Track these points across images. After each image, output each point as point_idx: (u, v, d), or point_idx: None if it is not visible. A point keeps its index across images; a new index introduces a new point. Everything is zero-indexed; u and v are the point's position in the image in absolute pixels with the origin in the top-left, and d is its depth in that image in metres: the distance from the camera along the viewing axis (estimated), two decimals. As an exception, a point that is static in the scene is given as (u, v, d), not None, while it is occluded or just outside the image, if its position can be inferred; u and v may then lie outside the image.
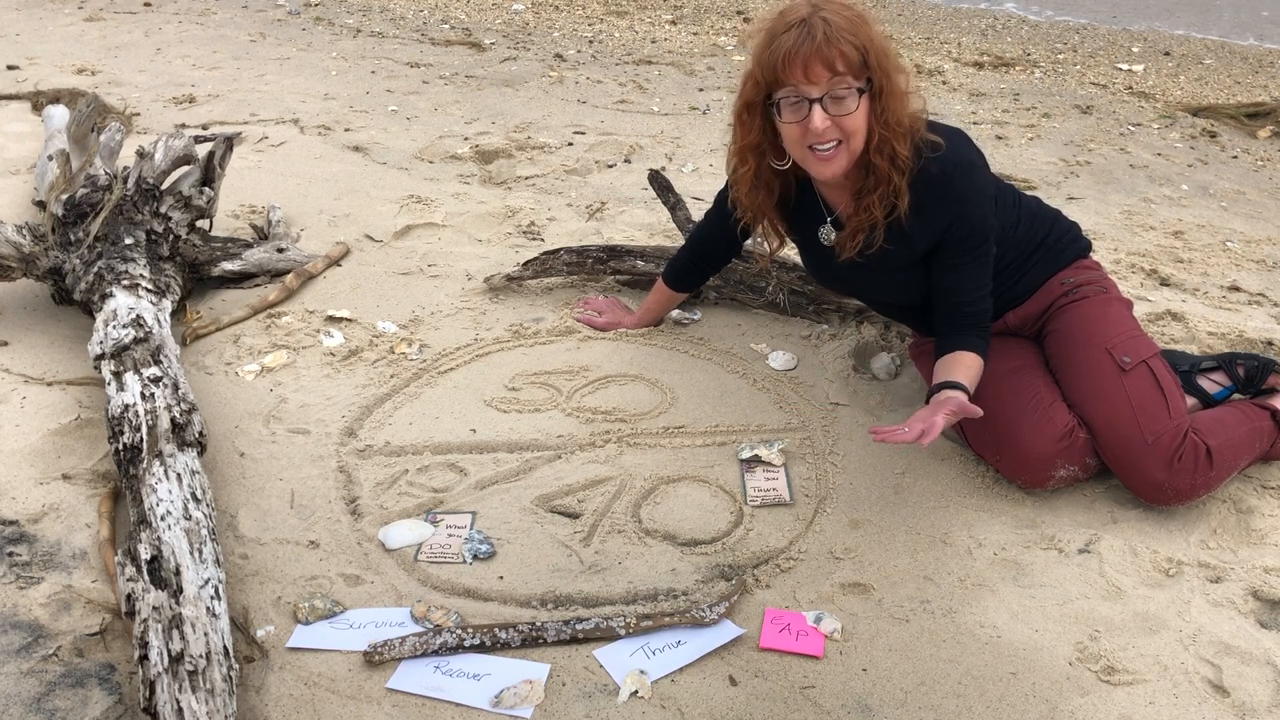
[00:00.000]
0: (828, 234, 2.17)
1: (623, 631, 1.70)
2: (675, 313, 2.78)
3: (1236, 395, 2.20)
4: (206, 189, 2.99)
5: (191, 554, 1.70)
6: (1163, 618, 1.75)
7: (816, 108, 1.89)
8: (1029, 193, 2.43)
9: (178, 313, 2.69)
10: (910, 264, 2.10)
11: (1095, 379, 2.03)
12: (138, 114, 4.64)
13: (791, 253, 3.15)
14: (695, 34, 6.96)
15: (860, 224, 2.04)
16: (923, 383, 2.38)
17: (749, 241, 2.52)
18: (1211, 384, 2.20)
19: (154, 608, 1.58)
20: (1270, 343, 2.66)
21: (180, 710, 1.45)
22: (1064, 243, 2.22)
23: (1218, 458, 1.95)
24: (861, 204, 2.02)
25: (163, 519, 1.75)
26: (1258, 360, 2.18)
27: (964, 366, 2.00)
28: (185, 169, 3.08)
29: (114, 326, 2.29)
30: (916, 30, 7.43)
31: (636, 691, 1.60)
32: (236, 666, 1.57)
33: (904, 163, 1.96)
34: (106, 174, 2.96)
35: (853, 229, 2.06)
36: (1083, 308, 2.13)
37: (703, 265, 2.62)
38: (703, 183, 3.95)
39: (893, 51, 1.94)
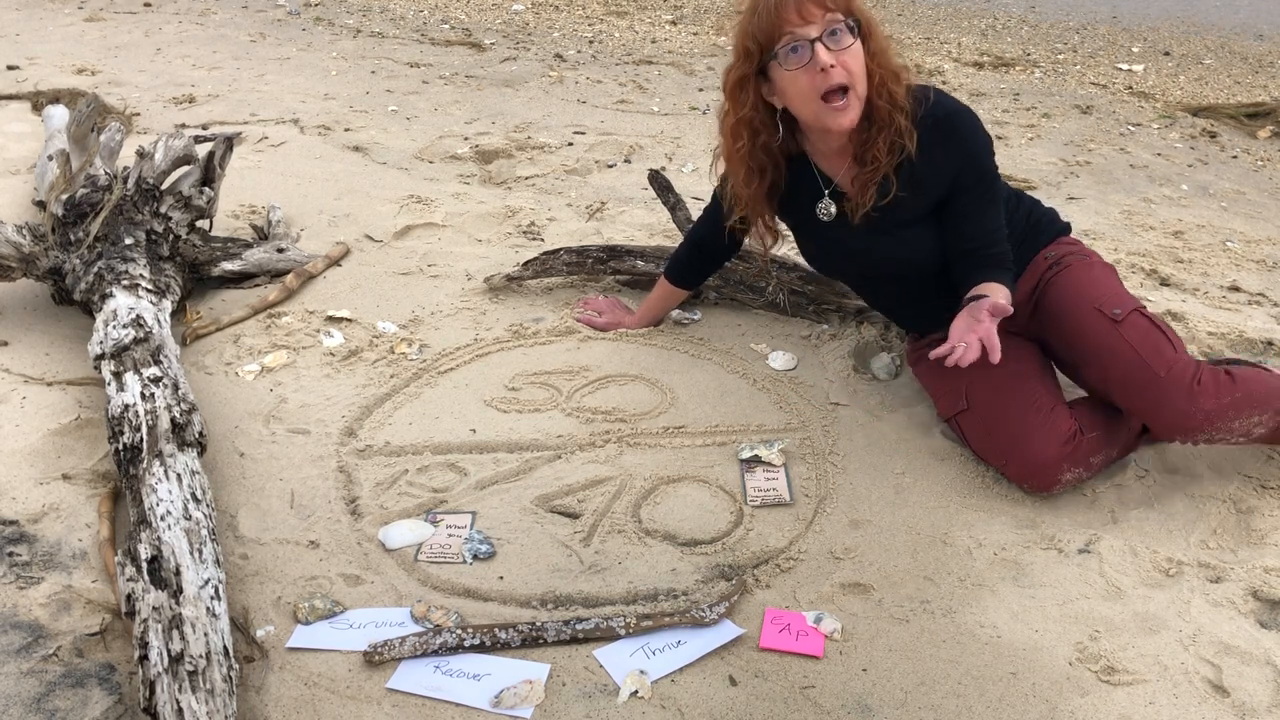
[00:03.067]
0: (827, 207, 2.16)
1: (623, 631, 1.70)
2: (675, 313, 2.78)
3: None
4: (206, 189, 2.99)
5: (191, 554, 1.70)
6: (1163, 618, 1.75)
7: (819, 45, 1.91)
8: (1027, 193, 2.44)
9: (178, 313, 2.69)
10: (921, 217, 2.09)
11: (1094, 338, 2.03)
12: (138, 114, 4.64)
13: (792, 252, 3.16)
14: (695, 34, 6.96)
15: (870, 177, 2.05)
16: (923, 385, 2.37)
17: (747, 240, 2.52)
18: None
19: (154, 608, 1.58)
20: (1270, 343, 2.66)
21: (180, 710, 1.45)
22: (1044, 223, 2.25)
23: (1239, 376, 1.95)
24: (869, 155, 2.04)
25: (163, 519, 1.75)
26: (1246, 363, 2.17)
27: (990, 287, 1.99)
28: (185, 169, 3.08)
29: (114, 326, 2.29)
30: (916, 30, 7.43)
31: (636, 691, 1.60)
32: (236, 666, 1.57)
33: (903, 102, 1.99)
34: (106, 174, 2.96)
35: (862, 183, 2.07)
36: (1067, 275, 2.14)
37: (703, 261, 2.62)
38: (703, 183, 3.95)
39: (868, 8, 2.00)
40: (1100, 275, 2.15)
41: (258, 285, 2.94)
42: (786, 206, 2.27)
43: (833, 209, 2.16)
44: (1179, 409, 1.92)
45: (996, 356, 1.81)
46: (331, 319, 2.76)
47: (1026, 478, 2.03)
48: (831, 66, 1.91)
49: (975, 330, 1.86)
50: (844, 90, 1.94)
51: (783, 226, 2.38)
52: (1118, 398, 2.01)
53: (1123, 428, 2.10)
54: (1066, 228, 2.29)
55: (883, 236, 2.14)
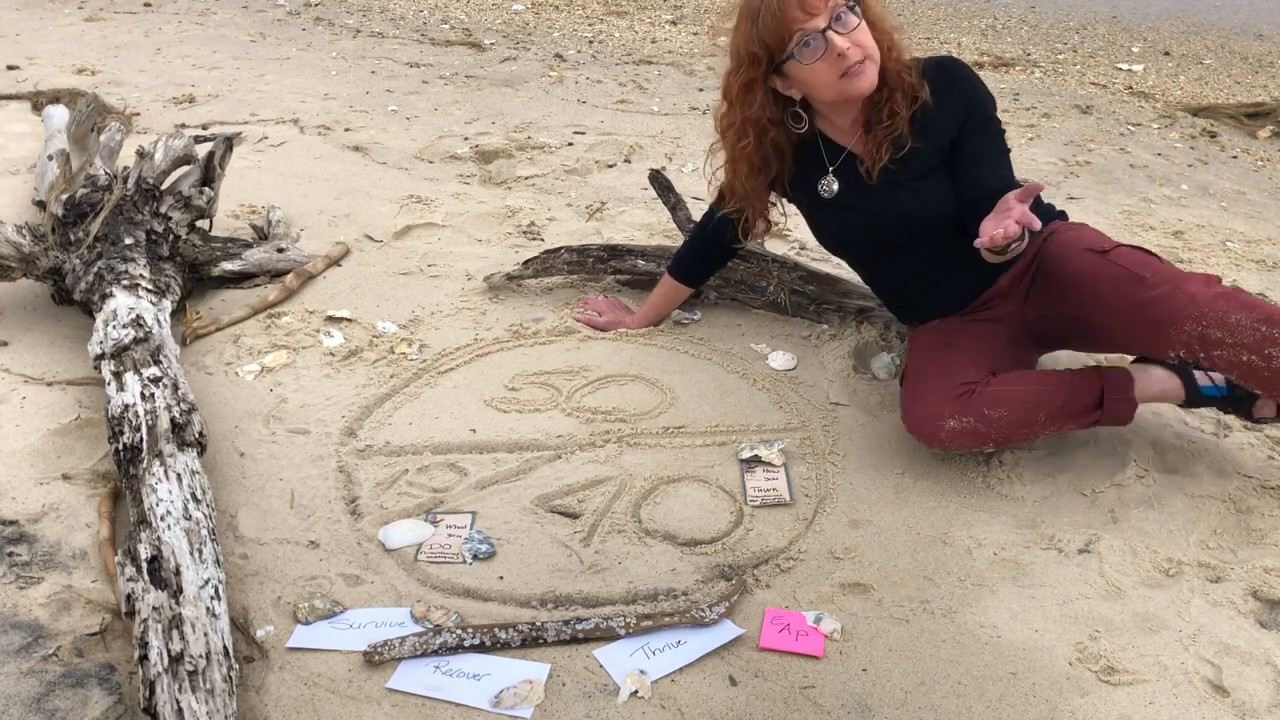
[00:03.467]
0: (829, 185, 2.21)
1: (623, 631, 1.70)
2: (675, 313, 2.78)
3: (1220, 402, 2.12)
4: (206, 189, 2.99)
5: (191, 554, 1.70)
6: (1163, 618, 1.75)
7: (830, 34, 1.96)
8: None
9: (178, 313, 2.69)
10: (934, 166, 2.12)
11: (1086, 271, 2.02)
12: (138, 114, 4.64)
13: (792, 252, 3.16)
14: (695, 34, 6.96)
15: (886, 131, 2.09)
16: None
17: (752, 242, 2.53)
18: (1206, 379, 2.13)
19: (154, 608, 1.58)
20: (1270, 343, 2.66)
21: (180, 710, 1.45)
22: (1043, 211, 2.26)
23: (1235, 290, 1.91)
24: (884, 113, 2.09)
25: (163, 519, 1.75)
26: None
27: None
28: (185, 169, 3.08)
29: (114, 326, 2.29)
30: (917, 30, 7.43)
31: (636, 691, 1.60)
32: (236, 666, 1.57)
33: (908, 60, 2.08)
34: (106, 174, 2.96)
35: (878, 140, 2.11)
36: (1060, 235, 2.15)
37: (708, 258, 2.63)
38: (702, 182, 3.93)
39: None
40: (1086, 230, 2.18)
41: (258, 285, 2.94)
42: (797, 189, 2.29)
43: (834, 186, 2.20)
44: (1164, 291, 1.88)
45: (1036, 225, 1.79)
46: (331, 319, 2.76)
47: (914, 426, 2.07)
48: (848, 49, 1.96)
49: (1009, 215, 1.82)
50: (863, 59, 2.00)
51: (776, 216, 2.42)
52: (1119, 325, 1.96)
53: (1062, 392, 2.05)
54: (1063, 214, 2.32)
55: (898, 190, 2.15)
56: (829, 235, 2.36)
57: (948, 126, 2.10)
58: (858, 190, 2.19)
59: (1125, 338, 2.00)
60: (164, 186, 2.92)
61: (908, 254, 2.25)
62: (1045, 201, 2.32)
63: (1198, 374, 2.11)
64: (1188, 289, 1.87)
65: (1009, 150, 2.15)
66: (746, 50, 2.04)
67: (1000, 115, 2.18)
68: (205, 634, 1.56)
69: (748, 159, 2.18)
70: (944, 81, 2.10)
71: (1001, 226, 1.79)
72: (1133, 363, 2.18)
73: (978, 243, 1.84)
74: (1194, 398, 2.11)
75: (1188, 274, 1.93)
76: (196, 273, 2.89)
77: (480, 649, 1.68)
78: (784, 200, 2.39)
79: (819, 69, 1.99)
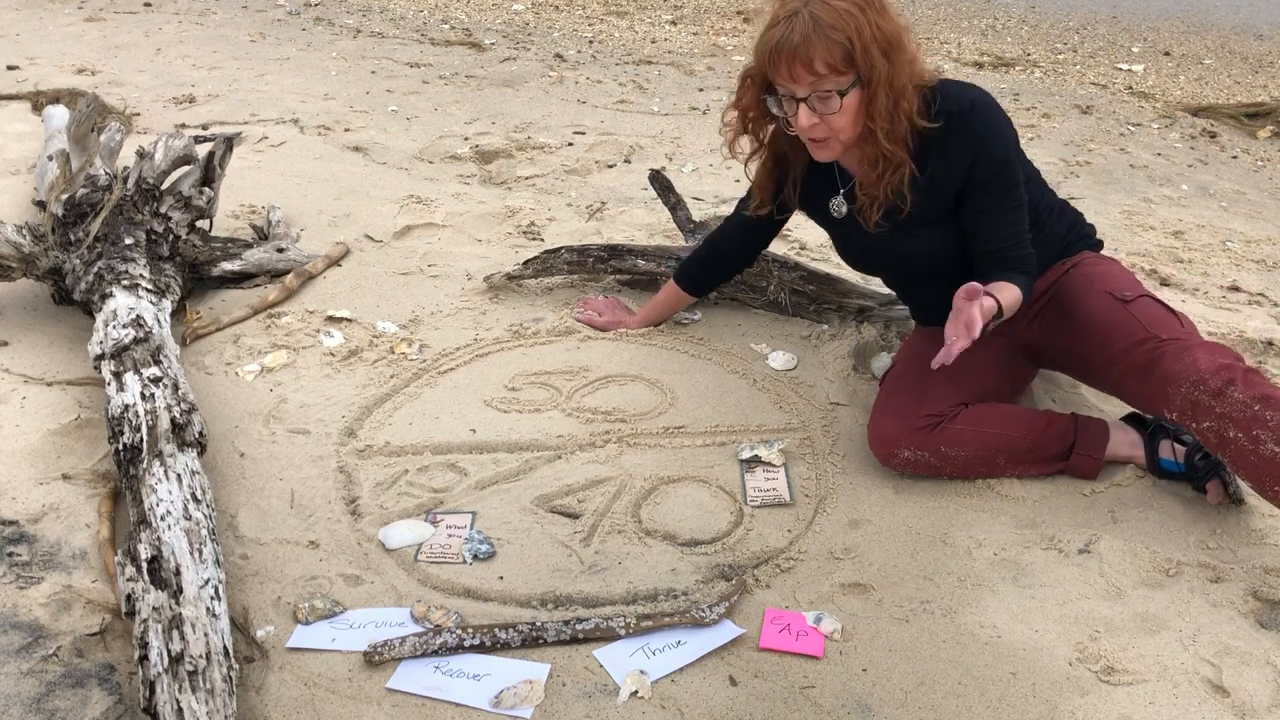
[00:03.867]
0: (839, 206, 2.16)
1: (623, 631, 1.70)
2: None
3: (1178, 478, 2.08)
4: (206, 189, 2.99)
5: (191, 554, 1.70)
6: (1163, 618, 1.75)
7: (802, 107, 1.91)
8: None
9: (178, 313, 2.69)
10: (937, 217, 2.06)
11: (1102, 315, 2.00)
12: (138, 114, 4.64)
13: (792, 252, 3.16)
14: (695, 34, 6.96)
15: (872, 197, 2.03)
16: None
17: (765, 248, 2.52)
18: (1169, 452, 2.08)
19: (154, 608, 1.58)
20: (1270, 343, 2.66)
21: (180, 710, 1.45)
22: (1081, 237, 2.22)
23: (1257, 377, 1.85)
24: (870, 177, 2.02)
25: (163, 519, 1.75)
26: (1211, 460, 2.03)
27: (1005, 289, 1.94)
28: (185, 169, 3.08)
29: (114, 326, 2.29)
30: (917, 30, 7.41)
31: (636, 691, 1.60)
32: (236, 667, 1.57)
33: (900, 144, 1.94)
34: (106, 174, 2.96)
35: (868, 198, 2.04)
36: (1081, 269, 2.13)
37: (716, 268, 2.59)
38: (703, 183, 3.95)
39: (893, 31, 1.88)
40: (1115, 269, 2.15)
41: (258, 285, 2.94)
42: (806, 200, 2.26)
43: (844, 208, 2.15)
44: (1170, 349, 1.86)
45: (975, 332, 1.78)
46: (331, 319, 2.76)
47: (872, 444, 2.10)
48: (810, 125, 1.92)
49: (954, 321, 1.82)
50: (824, 139, 1.96)
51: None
52: (1122, 372, 1.95)
53: (1030, 438, 2.06)
54: (1099, 245, 2.26)
55: (902, 237, 2.11)
56: (844, 253, 2.33)
57: (953, 180, 2.01)
58: (859, 224, 2.14)
59: (1123, 386, 2.00)
60: (164, 186, 2.92)
61: (920, 283, 2.26)
62: (1087, 224, 2.27)
63: (1163, 445, 2.09)
64: (1193, 352, 1.85)
65: (1021, 202, 2.03)
66: (755, 57, 1.98)
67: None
68: (205, 634, 1.56)
69: (758, 153, 2.17)
70: (954, 135, 1.97)
71: (958, 336, 1.79)
72: (1122, 418, 2.19)
73: (934, 364, 1.85)
74: (1154, 468, 2.09)
75: (1202, 340, 1.91)
76: (196, 273, 2.89)
77: (480, 649, 1.68)
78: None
79: (791, 119, 1.96)
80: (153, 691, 1.47)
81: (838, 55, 1.84)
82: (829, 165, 2.15)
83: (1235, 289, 3.12)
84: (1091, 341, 2.02)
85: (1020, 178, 2.02)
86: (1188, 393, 1.81)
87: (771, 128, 2.13)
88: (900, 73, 1.89)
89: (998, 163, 1.98)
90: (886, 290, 2.76)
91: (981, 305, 1.81)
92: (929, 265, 2.15)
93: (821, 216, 2.26)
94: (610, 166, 4.17)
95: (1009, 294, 1.94)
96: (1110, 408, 2.32)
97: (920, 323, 2.40)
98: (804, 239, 3.31)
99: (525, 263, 2.92)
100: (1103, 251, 2.27)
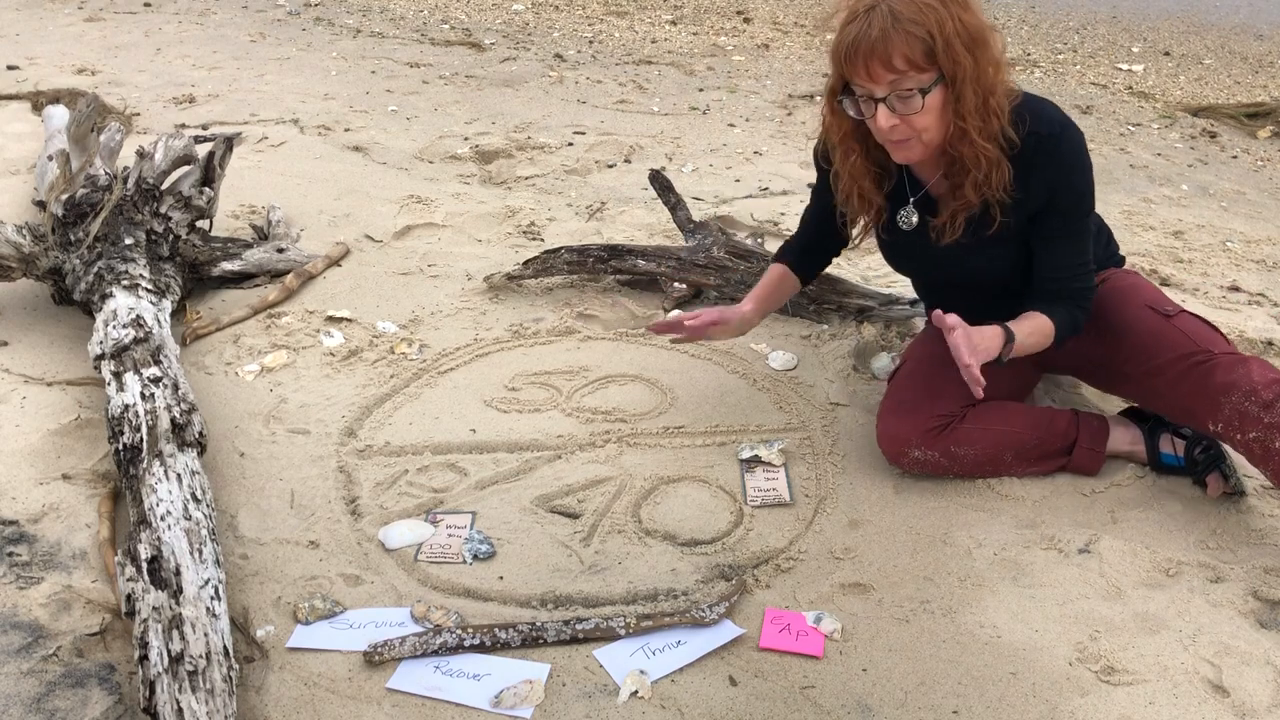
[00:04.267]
0: (908, 217, 2.05)
1: (623, 631, 1.70)
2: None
3: (1179, 471, 2.10)
4: (206, 189, 2.99)
5: (191, 554, 1.70)
6: (1163, 618, 1.75)
7: (881, 107, 1.80)
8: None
9: (178, 313, 2.69)
10: (1008, 237, 1.98)
11: (1146, 328, 2.00)
12: (138, 114, 4.64)
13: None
14: (695, 34, 6.96)
15: (959, 209, 1.94)
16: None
17: (748, 240, 2.51)
18: (1169, 446, 2.09)
19: (154, 608, 1.58)
20: (1270, 343, 2.66)
21: (180, 710, 1.45)
22: (1110, 254, 2.22)
23: None
24: (953, 187, 1.93)
25: (163, 519, 1.75)
26: (1211, 454, 2.06)
27: (1027, 320, 1.91)
28: (185, 169, 3.08)
29: (114, 326, 2.29)
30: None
31: (636, 691, 1.60)
32: (236, 667, 1.57)
33: (994, 142, 1.84)
34: (106, 174, 2.96)
35: (951, 212, 1.95)
36: (1111, 284, 2.12)
37: (818, 255, 2.38)
38: (703, 183, 3.95)
39: (977, 27, 1.77)
40: (1146, 284, 2.16)
41: (258, 285, 2.94)
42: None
43: (914, 219, 2.05)
44: (1224, 361, 1.88)
45: (978, 392, 1.77)
46: (331, 319, 2.76)
47: (881, 443, 2.10)
48: (890, 126, 1.81)
49: (969, 367, 1.78)
50: (905, 140, 1.85)
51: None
52: (1164, 382, 1.95)
53: (1036, 434, 2.06)
54: (1122, 260, 2.25)
55: (970, 253, 2.03)
56: (896, 261, 2.24)
57: (1032, 202, 1.93)
58: (927, 234, 2.06)
59: (1162, 396, 1.98)
60: (164, 186, 2.92)
61: (961, 294, 2.16)
62: (1113, 240, 2.26)
63: (1163, 439, 2.10)
64: (1247, 365, 1.87)
65: (1089, 232, 1.99)
66: (831, 59, 1.87)
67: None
68: (205, 634, 1.56)
69: (857, 170, 2.02)
70: (1042, 157, 1.88)
71: (962, 351, 1.76)
72: (1120, 413, 2.19)
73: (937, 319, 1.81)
74: (1155, 462, 2.10)
75: (1247, 355, 1.93)
76: (196, 273, 2.89)
77: (480, 649, 1.68)
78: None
79: (870, 122, 1.85)
80: (153, 691, 1.47)
81: (918, 51, 1.73)
82: (900, 176, 2.06)
83: (1235, 289, 3.12)
84: (1131, 352, 2.01)
85: (1090, 212, 1.98)
86: (1238, 403, 1.83)
87: (858, 141, 1.99)
88: (986, 70, 1.79)
89: (1078, 193, 1.93)
90: (886, 290, 2.76)
91: (969, 339, 1.79)
92: (989, 282, 2.09)
93: (887, 224, 2.13)
94: (610, 166, 4.17)
95: (1028, 326, 1.91)
96: (1109, 406, 2.32)
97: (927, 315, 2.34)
98: (804, 239, 3.31)
99: (525, 263, 2.92)
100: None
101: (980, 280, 2.10)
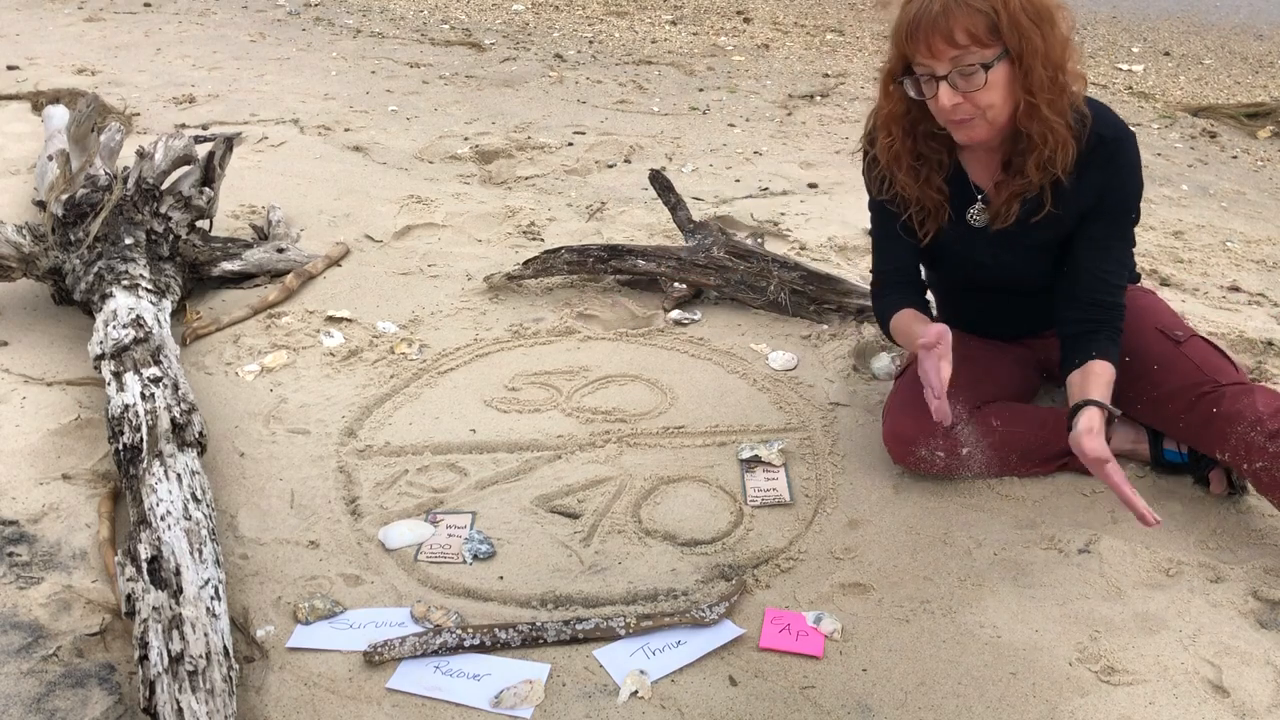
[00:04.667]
0: (979, 213, 2.00)
1: (623, 631, 1.70)
2: (675, 313, 2.78)
3: (1181, 469, 2.10)
4: (206, 189, 2.99)
5: (191, 554, 1.70)
6: (1163, 618, 1.75)
7: (943, 85, 1.76)
8: None
9: (178, 313, 2.69)
10: (1054, 235, 1.96)
11: (1154, 352, 2.00)
12: (138, 114, 4.64)
13: (792, 251, 3.15)
14: (695, 34, 6.96)
15: (1016, 190, 1.90)
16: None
17: (744, 238, 2.50)
18: (1171, 443, 2.09)
19: (154, 608, 1.58)
20: (1270, 343, 2.66)
21: (180, 710, 1.45)
22: (1130, 273, 2.18)
23: None
24: (1014, 168, 1.89)
25: (163, 519, 1.76)
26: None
27: (1100, 381, 1.85)
28: (185, 169, 3.08)
29: (114, 326, 2.29)
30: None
31: (636, 691, 1.60)
32: (236, 667, 1.57)
33: (1060, 125, 1.81)
34: (106, 174, 2.96)
35: (1008, 196, 1.92)
36: (1126, 299, 2.08)
37: (915, 275, 2.20)
38: (703, 183, 3.95)
39: (1043, 2, 1.75)
40: (1159, 304, 2.16)
41: (258, 285, 2.94)
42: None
43: (984, 216, 2.00)
44: (1232, 391, 1.89)
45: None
46: (331, 319, 2.76)
47: (887, 441, 2.09)
48: (953, 105, 1.78)
49: (1103, 468, 1.72)
50: (968, 119, 1.81)
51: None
52: (1170, 411, 1.97)
53: (1039, 435, 2.07)
54: (1138, 277, 2.25)
55: (1011, 251, 2.01)
56: (930, 259, 2.17)
57: (1082, 202, 1.91)
58: (980, 233, 2.03)
59: (1169, 422, 2.00)
60: (164, 186, 2.92)
61: (984, 295, 2.15)
62: (1131, 256, 2.20)
63: (1165, 437, 2.10)
64: (1253, 395, 1.88)
65: (1131, 244, 1.98)
66: (893, 37, 1.84)
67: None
68: (205, 634, 1.56)
69: (898, 157, 1.96)
70: (1101, 158, 1.87)
71: (1137, 503, 1.71)
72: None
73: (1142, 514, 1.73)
74: (1158, 459, 2.11)
75: (1254, 384, 1.94)
76: (196, 273, 2.89)
77: (480, 649, 1.68)
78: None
79: (931, 103, 1.82)
80: (153, 691, 1.47)
81: (981, 25, 1.72)
82: (959, 176, 2.01)
83: (1235, 289, 3.12)
84: (1137, 377, 2.02)
85: (1135, 221, 1.98)
86: (1244, 433, 1.85)
87: (915, 133, 1.95)
88: (1055, 46, 1.76)
89: (1128, 201, 1.92)
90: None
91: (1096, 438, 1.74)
92: (1026, 279, 2.06)
93: (953, 227, 2.05)
94: (610, 166, 4.17)
95: (1103, 383, 1.85)
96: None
97: (961, 328, 2.16)
98: (804, 239, 3.31)
99: (525, 263, 2.92)
100: None
101: (1020, 277, 2.06)
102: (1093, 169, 1.89)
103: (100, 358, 2.22)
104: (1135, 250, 2.06)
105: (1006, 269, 2.06)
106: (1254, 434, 1.84)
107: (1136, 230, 2.03)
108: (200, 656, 1.52)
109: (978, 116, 1.80)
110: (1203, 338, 2.06)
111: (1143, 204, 2.00)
